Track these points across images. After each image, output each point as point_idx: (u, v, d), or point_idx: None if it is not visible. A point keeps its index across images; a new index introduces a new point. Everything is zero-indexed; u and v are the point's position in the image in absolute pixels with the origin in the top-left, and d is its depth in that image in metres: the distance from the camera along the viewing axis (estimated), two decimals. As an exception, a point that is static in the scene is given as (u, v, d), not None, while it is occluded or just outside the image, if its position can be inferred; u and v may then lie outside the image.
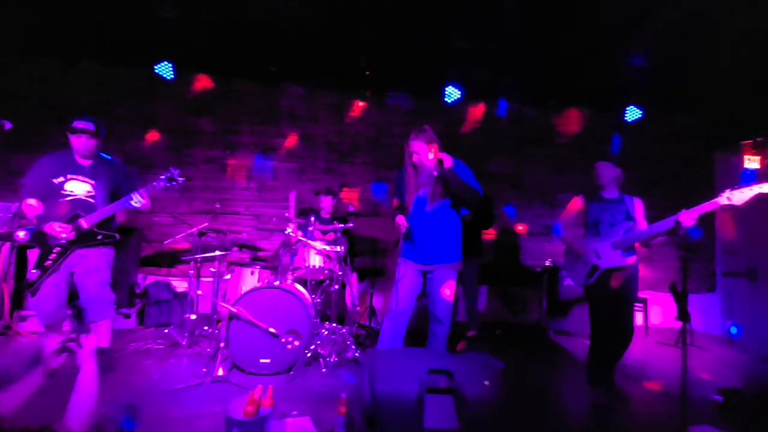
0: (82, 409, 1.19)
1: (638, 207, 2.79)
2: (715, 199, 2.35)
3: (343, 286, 3.59)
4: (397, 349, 2.47)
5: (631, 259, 2.73)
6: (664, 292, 5.33)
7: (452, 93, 4.93)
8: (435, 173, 2.55)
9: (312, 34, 3.98)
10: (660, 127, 5.54)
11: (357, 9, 3.57)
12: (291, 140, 5.12)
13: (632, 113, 5.20)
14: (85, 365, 1.25)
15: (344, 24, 3.83)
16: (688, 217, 2.38)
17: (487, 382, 1.85)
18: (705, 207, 2.37)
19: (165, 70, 4.51)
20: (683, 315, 2.04)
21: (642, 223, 2.73)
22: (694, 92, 4.89)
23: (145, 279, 4.51)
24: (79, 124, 2.75)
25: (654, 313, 5.11)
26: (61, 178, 2.76)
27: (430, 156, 2.57)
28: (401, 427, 1.77)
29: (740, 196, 2.29)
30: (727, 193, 2.33)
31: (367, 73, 4.68)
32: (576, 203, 2.97)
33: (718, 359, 3.96)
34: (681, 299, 2.76)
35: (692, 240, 2.52)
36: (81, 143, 2.76)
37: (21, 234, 2.68)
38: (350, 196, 5.13)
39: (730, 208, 2.40)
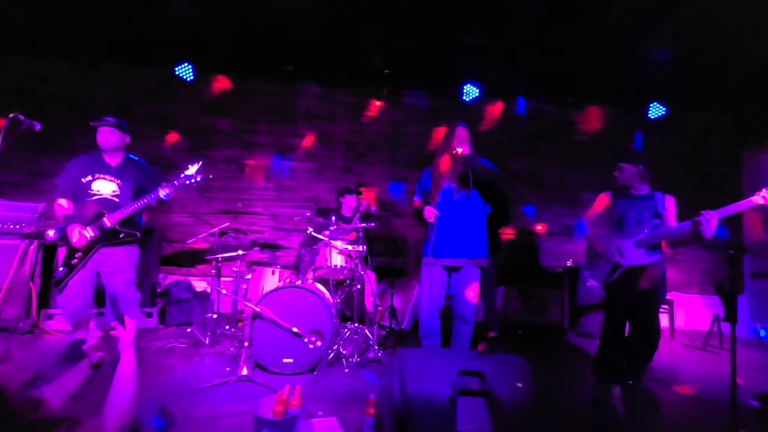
0: (122, 399, 1.21)
1: (669, 205, 2.70)
2: (751, 198, 2.28)
3: (363, 285, 3.56)
4: (427, 350, 2.45)
5: (655, 258, 2.65)
6: (689, 293, 5.21)
7: (470, 91, 4.89)
8: (462, 164, 2.61)
9: (327, 32, 3.98)
10: (685, 124, 5.40)
11: (372, 6, 3.56)
12: (308, 140, 5.13)
13: (655, 110, 5.09)
14: (124, 356, 1.27)
15: (359, 21, 3.82)
16: (710, 219, 2.30)
17: (520, 384, 1.81)
18: (735, 207, 2.30)
19: (185, 71, 4.56)
20: (731, 316, 1.95)
21: (672, 222, 2.65)
22: (721, 88, 4.75)
23: (166, 278, 4.56)
24: (100, 118, 2.82)
25: (679, 316, 4.99)
26: (89, 177, 2.80)
27: (459, 151, 2.60)
28: (433, 429, 1.74)
29: None
30: (763, 192, 2.25)
31: (386, 71, 4.66)
32: (603, 200, 2.90)
33: (748, 363, 3.83)
34: (729, 299, 2.66)
35: (720, 241, 2.44)
36: (102, 137, 2.81)
37: (51, 233, 2.72)
38: (367, 196, 5.12)
39: (762, 208, 2.32)
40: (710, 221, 2.30)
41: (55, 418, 0.98)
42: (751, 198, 2.28)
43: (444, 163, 2.70)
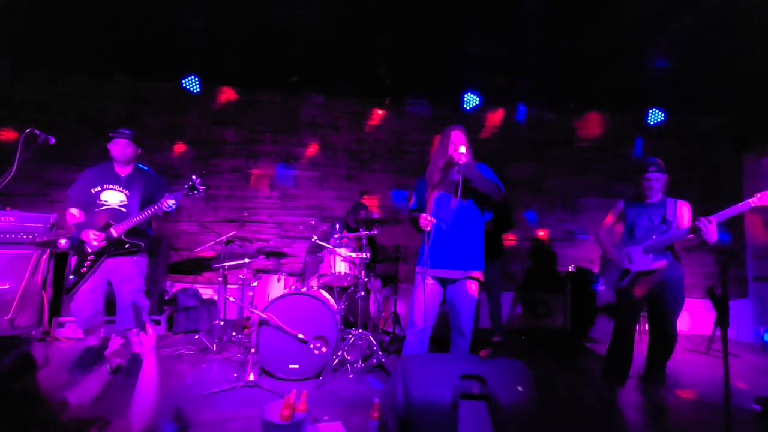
0: (147, 400, 1.27)
1: (681, 210, 2.77)
2: (748, 200, 2.35)
3: (367, 292, 3.62)
4: (430, 354, 2.46)
5: (661, 263, 2.70)
6: (693, 297, 5.21)
7: (471, 99, 4.97)
8: (457, 172, 2.37)
9: (330, 43, 4.07)
10: (684, 129, 5.45)
11: (374, 17, 3.64)
12: (312, 149, 5.21)
13: (654, 116, 5.14)
14: (147, 360, 1.33)
15: (362, 32, 3.90)
16: (709, 224, 2.37)
17: (520, 388, 1.85)
18: (732, 210, 2.39)
19: (191, 83, 4.67)
20: (723, 320, 1.99)
21: (683, 226, 2.72)
22: (720, 92, 4.79)
23: (173, 286, 4.63)
24: (118, 130, 2.93)
25: (683, 320, 4.98)
26: (98, 188, 2.89)
27: (462, 150, 2.38)
28: (435, 433, 1.78)
29: None
30: (759, 195, 2.34)
31: (387, 81, 4.75)
32: (617, 209, 3.02)
33: (753, 367, 3.84)
34: (720, 304, 2.71)
35: (724, 245, 2.54)
36: (118, 149, 2.90)
37: (62, 241, 2.81)
38: (370, 204, 5.18)
39: (762, 210, 2.40)
40: (709, 226, 2.38)
41: (85, 418, 1.05)
42: (748, 200, 2.36)
43: (440, 169, 2.51)
